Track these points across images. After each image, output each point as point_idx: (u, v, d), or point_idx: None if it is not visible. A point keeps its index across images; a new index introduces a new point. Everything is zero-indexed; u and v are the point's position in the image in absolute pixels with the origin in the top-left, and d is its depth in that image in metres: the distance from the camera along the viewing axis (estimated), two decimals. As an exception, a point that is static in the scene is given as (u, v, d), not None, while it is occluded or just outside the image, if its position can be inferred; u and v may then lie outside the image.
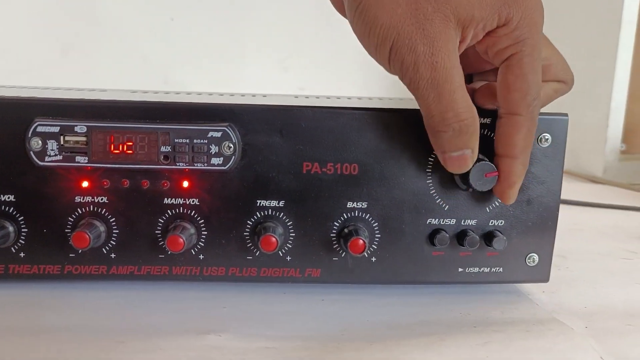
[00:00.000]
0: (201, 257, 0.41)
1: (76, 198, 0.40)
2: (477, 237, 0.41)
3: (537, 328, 0.38)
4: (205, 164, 0.39)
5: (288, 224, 0.41)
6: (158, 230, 0.40)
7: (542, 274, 0.43)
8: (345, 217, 0.41)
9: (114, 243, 0.40)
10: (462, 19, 0.35)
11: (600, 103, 0.91)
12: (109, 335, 0.34)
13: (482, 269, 0.43)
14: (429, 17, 0.34)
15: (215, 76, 1.32)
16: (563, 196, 0.78)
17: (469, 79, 0.44)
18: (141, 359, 0.32)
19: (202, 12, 1.27)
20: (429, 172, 0.41)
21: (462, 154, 0.37)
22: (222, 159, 0.39)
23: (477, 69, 0.43)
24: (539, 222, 0.42)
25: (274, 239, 0.39)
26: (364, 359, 0.33)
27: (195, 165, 0.39)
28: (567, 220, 0.69)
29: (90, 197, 0.40)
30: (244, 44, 1.30)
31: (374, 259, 0.42)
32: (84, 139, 0.38)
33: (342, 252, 0.41)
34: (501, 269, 0.43)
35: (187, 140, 0.39)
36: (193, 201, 0.40)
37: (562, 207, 0.76)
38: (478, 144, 0.37)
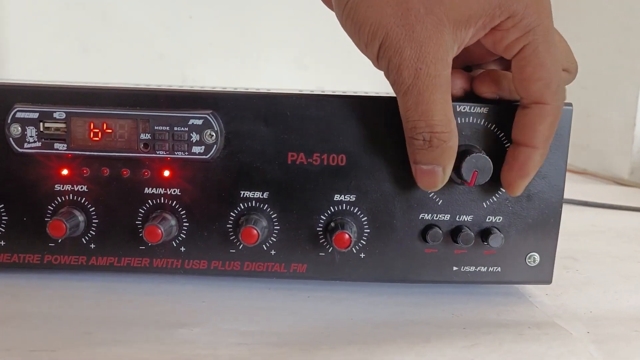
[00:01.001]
0: (183, 249, 0.40)
1: (56, 186, 0.39)
2: (472, 233, 0.39)
3: (532, 331, 0.35)
4: (186, 153, 0.38)
5: (272, 216, 0.39)
6: (138, 220, 0.39)
7: (544, 275, 0.40)
8: (333, 210, 0.39)
9: (94, 233, 0.39)
10: (457, 21, 0.33)
11: (626, 101, 0.87)
12: (77, 325, 0.33)
13: (478, 268, 0.40)
14: (421, 19, 0.32)
15: (232, 74, 1.32)
16: (583, 197, 0.75)
17: (467, 68, 0.41)
18: (104, 351, 0.31)
19: (220, 10, 1.26)
20: (421, 164, 0.38)
21: (431, 169, 0.35)
22: (203, 147, 0.38)
23: (479, 61, 0.40)
24: (540, 219, 0.40)
25: (255, 232, 0.37)
26: (338, 358, 0.31)
27: (176, 153, 0.38)
28: (585, 222, 0.66)
29: (70, 186, 0.39)
30: (262, 41, 1.30)
31: (362, 255, 0.40)
32: (63, 125, 0.38)
33: (329, 247, 0.39)
34: (499, 269, 0.40)
35: (167, 128, 0.38)
36: (174, 191, 0.39)
37: (581, 208, 0.73)
38: (452, 165, 0.35)
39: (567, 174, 1.01)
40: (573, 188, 0.85)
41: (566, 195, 0.76)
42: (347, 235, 0.37)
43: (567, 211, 0.71)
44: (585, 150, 0.99)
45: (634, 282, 0.45)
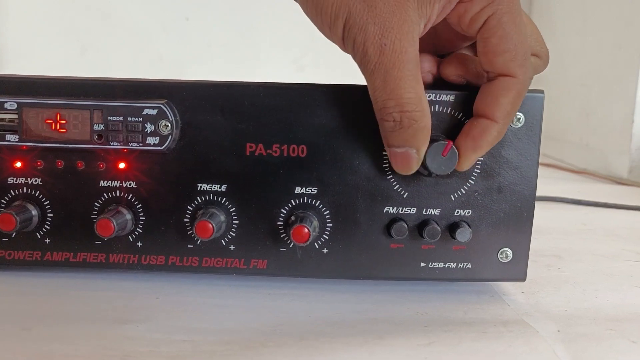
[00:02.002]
0: (139, 244, 0.38)
1: (9, 179, 0.38)
2: (439, 227, 0.37)
3: (496, 329, 0.33)
4: (141, 144, 0.37)
5: (231, 210, 0.38)
6: (94, 214, 0.38)
7: (517, 271, 0.38)
8: (294, 203, 0.38)
9: (49, 227, 0.38)
10: None
11: (624, 98, 0.84)
12: (17, 321, 0.32)
13: (447, 265, 0.38)
14: None
15: (229, 75, 1.31)
16: (581, 196, 0.73)
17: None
18: (38, 347, 0.29)
19: (216, 12, 1.26)
20: (385, 155, 0.37)
21: (405, 152, 0.34)
22: (158, 138, 0.37)
23: (451, 48, 0.39)
24: (512, 213, 0.38)
25: (210, 226, 0.36)
26: (284, 355, 0.29)
27: (130, 145, 0.37)
28: (576, 220, 0.64)
29: (24, 179, 0.38)
30: (258, 42, 1.29)
31: (325, 250, 0.38)
32: (14, 116, 0.37)
33: (290, 242, 0.38)
34: (469, 265, 0.38)
35: (121, 118, 0.36)
36: (130, 184, 0.38)
37: (574, 207, 0.71)
38: (426, 146, 0.34)
39: (566, 173, 0.98)
40: (571, 187, 0.83)
41: (562, 194, 0.74)
42: (305, 230, 0.36)
43: (559, 209, 0.69)
44: (585, 149, 0.96)
45: (615, 280, 0.43)
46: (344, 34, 0.32)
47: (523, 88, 0.33)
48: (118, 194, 0.38)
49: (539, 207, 0.69)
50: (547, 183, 0.85)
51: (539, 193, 0.75)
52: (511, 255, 0.38)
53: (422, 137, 0.33)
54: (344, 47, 0.33)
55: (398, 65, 0.31)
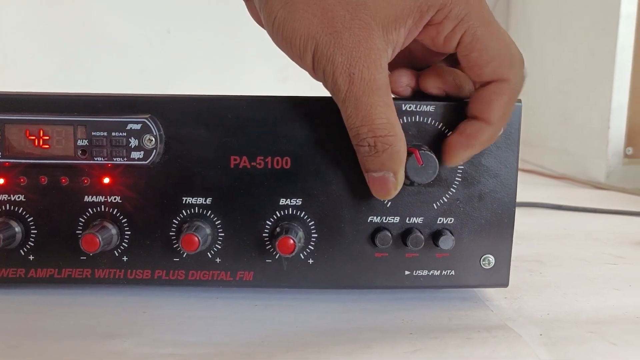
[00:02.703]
0: (125, 259, 0.38)
1: (-9, 196, 0.38)
2: (422, 236, 0.38)
3: (480, 335, 0.34)
4: (125, 159, 0.37)
5: (216, 223, 0.38)
6: (79, 230, 0.38)
7: (500, 277, 0.39)
8: (279, 215, 0.38)
9: (32, 244, 0.38)
10: (385, 23, 0.32)
11: (600, 103, 0.86)
12: (3, 338, 0.32)
13: (431, 272, 0.39)
14: (347, 25, 0.32)
15: (213, 87, 1.31)
16: (561, 202, 0.74)
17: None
18: (26, 365, 0.29)
19: (198, 24, 1.26)
20: (368, 165, 0.37)
21: (382, 176, 0.34)
22: (143, 152, 0.37)
23: (428, 63, 0.39)
24: (494, 220, 0.39)
25: (196, 239, 0.36)
26: (273, 367, 0.30)
27: (115, 159, 0.37)
28: (557, 226, 0.65)
29: (7, 195, 0.38)
30: (242, 53, 1.29)
31: (311, 261, 0.39)
32: (-3, 133, 0.37)
33: (276, 254, 0.38)
34: (453, 272, 0.39)
35: (105, 133, 0.37)
36: (115, 199, 0.38)
37: (555, 212, 0.72)
38: (402, 169, 0.35)
39: (546, 179, 1.00)
40: (551, 192, 0.85)
41: (542, 200, 0.75)
42: (291, 241, 0.36)
43: (540, 215, 0.71)
44: (564, 154, 0.98)
45: (596, 284, 0.44)
46: (314, 65, 0.33)
47: (515, 90, 0.34)
48: (103, 209, 0.38)
49: (520, 212, 0.70)
50: (527, 189, 0.86)
51: (519, 199, 0.76)
52: (493, 261, 0.39)
53: (397, 160, 0.34)
54: (315, 76, 0.34)
55: (368, 92, 0.32)
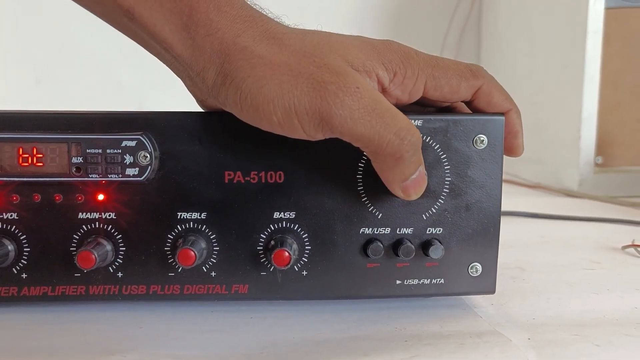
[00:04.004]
0: (120, 274, 0.39)
1: (-16, 215, 0.37)
2: (413, 246, 0.39)
3: (472, 341, 0.35)
4: (120, 175, 0.37)
5: (211, 237, 0.39)
6: (73, 247, 0.38)
7: (487, 284, 0.41)
8: (273, 228, 0.39)
9: (25, 262, 0.38)
10: (354, 65, 0.34)
11: (571, 114, 0.90)
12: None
13: (421, 281, 0.40)
14: (320, 66, 0.32)
15: (191, 101, 1.31)
16: (536, 210, 0.76)
17: None
18: (28, 384, 0.29)
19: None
20: (359, 178, 0.39)
21: (419, 173, 0.35)
22: (137, 169, 0.37)
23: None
24: (480, 229, 0.40)
25: (192, 253, 0.37)
26: (275, 377, 0.30)
27: (110, 176, 0.37)
28: (534, 233, 0.67)
29: (-1, 214, 0.38)
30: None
31: (305, 272, 0.39)
32: (-10, 151, 0.37)
33: (270, 266, 0.39)
34: (442, 280, 0.40)
35: (100, 151, 0.37)
36: (109, 215, 0.38)
37: (532, 220, 0.74)
38: None
39: (521, 188, 1.03)
40: (526, 201, 0.87)
41: (518, 208, 0.78)
42: (286, 253, 0.37)
43: (518, 223, 0.73)
44: (538, 164, 1.01)
45: (575, 288, 0.46)
46: (302, 125, 0.32)
47: (494, 82, 0.39)
48: (97, 226, 0.38)
49: (499, 221, 0.71)
50: (504, 198, 0.89)
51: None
52: (481, 269, 0.40)
53: (420, 150, 0.35)
54: (309, 131, 0.33)
55: (379, 98, 0.32)
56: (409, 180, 0.35)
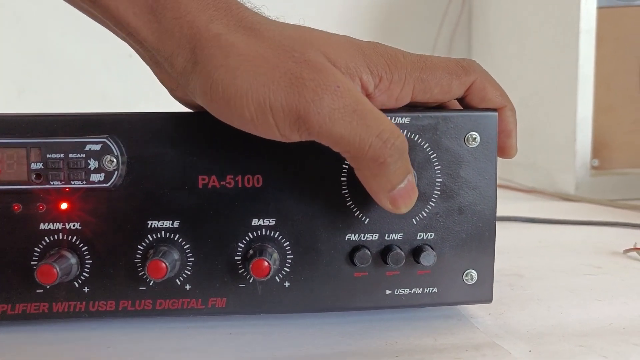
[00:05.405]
0: (86, 289, 0.36)
1: (-64, 227, 0.34)
2: (403, 252, 0.36)
3: (468, 354, 0.32)
4: (85, 182, 0.34)
5: (185, 247, 0.36)
6: (34, 260, 0.35)
7: (483, 293, 0.38)
8: (251, 236, 0.36)
9: (-18, 278, 0.35)
10: (337, 64, 0.31)
11: (566, 117, 0.87)
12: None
13: (413, 290, 0.37)
14: (300, 61, 0.30)
15: (177, 109, 1.28)
16: (532, 215, 0.74)
17: None
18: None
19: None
20: (344, 180, 0.36)
21: (407, 182, 0.32)
22: (103, 175, 0.34)
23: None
24: (474, 233, 0.37)
25: (163, 265, 0.34)
26: (251, 401, 0.27)
27: (73, 183, 0.34)
28: (532, 239, 0.64)
29: (-47, 226, 0.35)
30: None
31: (287, 283, 0.36)
32: (-59, 158, 0.34)
33: (250, 278, 0.36)
34: (435, 290, 0.37)
35: (62, 156, 0.34)
36: (74, 225, 0.35)
37: (529, 225, 0.72)
38: None
39: (516, 193, 1.00)
40: (522, 206, 0.85)
41: (514, 213, 0.75)
42: (265, 263, 0.34)
43: (515, 229, 0.70)
44: (532, 168, 0.99)
45: (578, 295, 0.43)
46: (276, 122, 0.30)
47: (486, 75, 0.36)
48: (60, 237, 0.35)
49: (495, 227, 0.69)
50: (499, 203, 0.86)
51: (493, 213, 0.75)
52: (476, 276, 0.38)
53: (407, 156, 0.32)
54: (283, 131, 0.30)
55: (360, 98, 0.30)
56: (396, 190, 0.31)
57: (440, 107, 0.38)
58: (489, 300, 0.38)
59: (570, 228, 0.70)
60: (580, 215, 0.75)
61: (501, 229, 0.69)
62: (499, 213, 0.74)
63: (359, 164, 0.31)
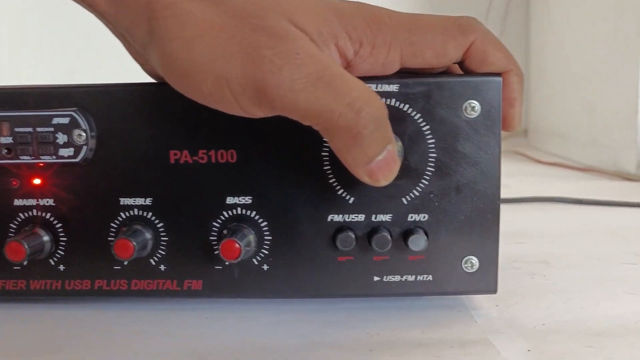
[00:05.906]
0: (62, 268, 0.35)
1: None
2: (388, 235, 0.32)
3: (451, 352, 0.28)
4: (54, 157, 0.33)
5: (158, 225, 0.34)
6: (10, 237, 0.34)
7: (486, 282, 0.34)
8: (227, 215, 0.34)
9: (-39, 254, 0.35)
10: (306, 30, 0.28)
11: (627, 90, 0.78)
12: None
13: (404, 278, 0.34)
14: (257, 28, 0.27)
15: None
16: (578, 195, 0.67)
17: None
18: None
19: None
20: (325, 156, 0.33)
21: (387, 153, 0.28)
22: (72, 149, 0.33)
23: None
24: (475, 215, 0.33)
25: (131, 244, 0.32)
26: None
27: (42, 158, 0.33)
28: (576, 222, 0.58)
29: None
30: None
31: (265, 267, 0.34)
32: None
33: (226, 259, 0.34)
34: (430, 277, 0.34)
35: (30, 130, 0.33)
36: (47, 202, 0.34)
37: (574, 207, 0.65)
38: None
39: (571, 171, 0.92)
40: (574, 185, 0.77)
41: (563, 194, 0.68)
42: (236, 244, 0.32)
43: (557, 211, 0.64)
44: (591, 145, 0.90)
45: (607, 287, 0.38)
46: (236, 97, 0.27)
47: (487, 34, 0.32)
48: (35, 213, 0.34)
49: (531, 208, 0.63)
50: (546, 182, 0.79)
51: (532, 193, 0.69)
52: (477, 264, 0.33)
53: (387, 124, 0.28)
54: (246, 106, 0.28)
55: (327, 63, 0.27)
56: (374, 163, 0.28)
57: (443, 74, 0.34)
58: (492, 290, 0.34)
59: (624, 211, 0.63)
60: (639, 197, 0.68)
61: (539, 211, 0.63)
62: (542, 193, 0.69)
63: (332, 137, 0.28)
